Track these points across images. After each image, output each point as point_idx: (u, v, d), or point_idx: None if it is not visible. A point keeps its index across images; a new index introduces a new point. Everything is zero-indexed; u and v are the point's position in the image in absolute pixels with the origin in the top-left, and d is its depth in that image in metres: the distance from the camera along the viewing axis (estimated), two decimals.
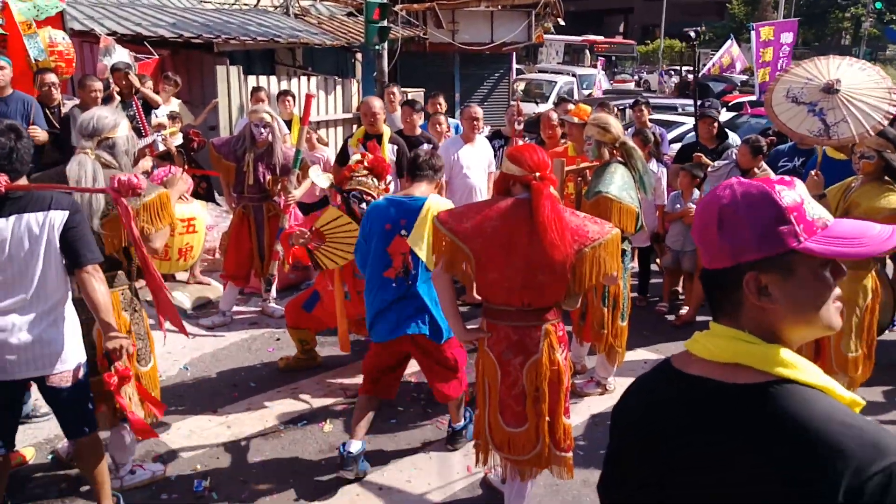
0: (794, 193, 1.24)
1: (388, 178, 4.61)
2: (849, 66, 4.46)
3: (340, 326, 4.57)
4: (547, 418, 3.06)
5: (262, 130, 5.47)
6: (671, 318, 6.29)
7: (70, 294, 3.08)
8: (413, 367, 5.11)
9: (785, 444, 1.11)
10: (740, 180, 1.28)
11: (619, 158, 4.43)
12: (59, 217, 2.92)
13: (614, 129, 4.40)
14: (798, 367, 1.20)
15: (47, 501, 3.55)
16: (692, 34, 8.59)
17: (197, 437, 4.19)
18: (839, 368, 4.08)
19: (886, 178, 4.02)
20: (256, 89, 7.57)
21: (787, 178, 1.29)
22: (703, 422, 1.22)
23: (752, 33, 9.80)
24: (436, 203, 3.72)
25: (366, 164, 4.38)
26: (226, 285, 5.82)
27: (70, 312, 3.09)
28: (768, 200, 1.23)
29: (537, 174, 2.94)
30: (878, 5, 36.50)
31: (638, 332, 5.80)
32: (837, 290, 1.26)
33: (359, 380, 4.93)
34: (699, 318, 6.14)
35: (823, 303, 1.24)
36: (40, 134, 5.79)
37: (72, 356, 3.07)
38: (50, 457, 3.90)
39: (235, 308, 5.96)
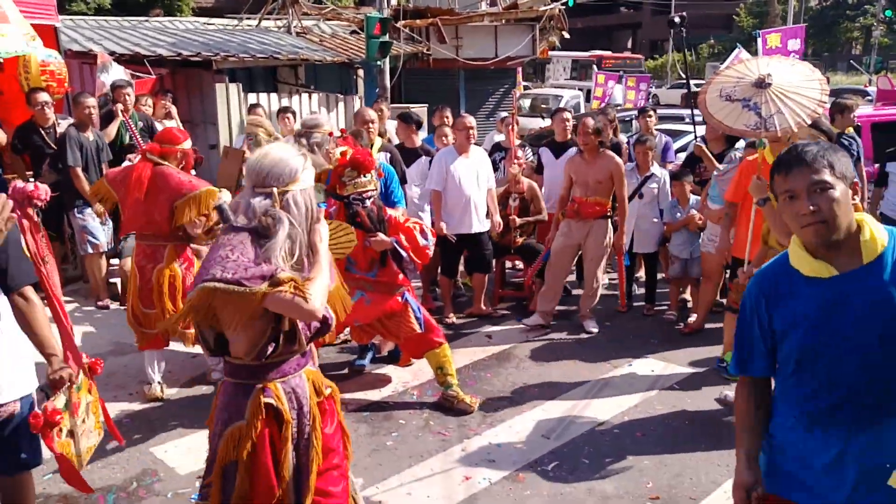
0: None
1: (378, 164, 4.60)
2: (778, 63, 4.65)
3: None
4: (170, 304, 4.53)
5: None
6: (680, 326, 6.14)
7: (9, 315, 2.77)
8: (417, 377, 5.07)
9: None
10: None
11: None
12: None
13: (267, 126, 5.76)
14: None
15: None
16: (676, 19, 8.45)
17: (195, 454, 4.06)
18: None
19: None
20: (254, 106, 7.56)
21: None
22: None
23: (759, 40, 9.67)
24: None
25: (349, 159, 4.28)
26: None
27: (13, 335, 2.77)
28: None
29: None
30: (888, 13, 36.35)
31: (646, 341, 5.72)
32: None
33: (362, 394, 4.87)
34: (707, 326, 5.99)
35: None
36: None
37: (10, 388, 2.77)
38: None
39: None
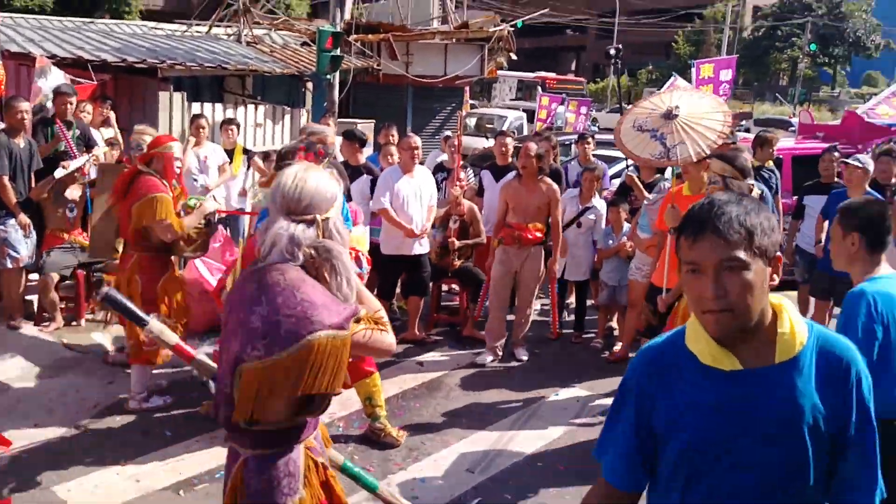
0: None
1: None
2: (689, 96, 4.99)
3: None
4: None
5: None
6: (605, 354, 6.27)
7: None
8: (345, 407, 4.86)
9: None
10: None
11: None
12: None
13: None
14: None
15: None
16: (612, 52, 8.88)
17: (102, 492, 3.82)
18: None
19: None
20: (196, 116, 7.45)
21: None
22: None
23: (693, 70, 10.01)
24: None
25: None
26: None
27: None
28: None
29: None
30: (813, 47, 38.21)
31: (573, 369, 5.80)
32: None
33: None
34: (632, 354, 6.10)
35: None
36: None
37: None
38: None
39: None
